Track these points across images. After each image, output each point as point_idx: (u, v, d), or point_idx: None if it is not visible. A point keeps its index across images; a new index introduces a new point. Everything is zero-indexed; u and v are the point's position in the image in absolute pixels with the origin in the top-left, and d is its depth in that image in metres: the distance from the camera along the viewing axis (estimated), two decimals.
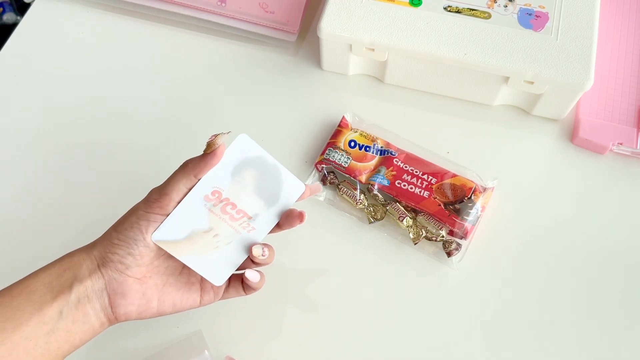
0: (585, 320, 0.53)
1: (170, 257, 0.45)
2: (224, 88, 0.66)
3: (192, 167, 0.43)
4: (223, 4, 0.67)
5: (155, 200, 0.43)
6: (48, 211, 0.59)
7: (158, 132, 0.63)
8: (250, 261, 0.46)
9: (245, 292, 0.48)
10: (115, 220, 0.44)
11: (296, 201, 0.47)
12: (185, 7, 0.68)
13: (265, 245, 0.46)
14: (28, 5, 0.72)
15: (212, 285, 0.47)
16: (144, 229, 0.42)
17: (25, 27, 0.70)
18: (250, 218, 0.45)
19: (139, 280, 0.43)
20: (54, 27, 0.70)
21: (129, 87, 0.66)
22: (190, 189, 0.43)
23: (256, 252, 0.45)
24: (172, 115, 0.64)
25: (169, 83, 0.66)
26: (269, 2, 0.67)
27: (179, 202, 0.43)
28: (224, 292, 0.47)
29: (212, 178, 0.43)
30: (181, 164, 0.44)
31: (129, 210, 0.44)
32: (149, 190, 0.44)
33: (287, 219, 0.46)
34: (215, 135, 0.43)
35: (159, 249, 0.43)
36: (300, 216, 0.45)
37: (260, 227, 0.46)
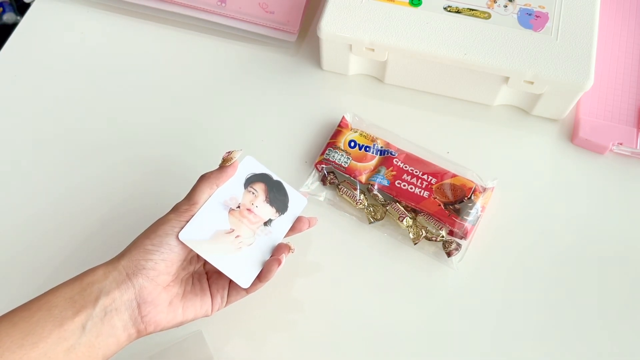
0: (585, 319, 0.53)
1: (185, 267, 0.47)
2: (224, 88, 0.66)
3: (214, 177, 0.47)
4: (223, 4, 0.67)
5: (186, 210, 0.45)
6: (48, 210, 0.59)
7: (158, 132, 0.63)
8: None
9: (247, 290, 0.48)
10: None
11: (295, 232, 0.51)
12: (185, 7, 0.68)
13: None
14: (28, 5, 0.72)
15: (220, 293, 0.48)
16: (178, 243, 0.44)
17: (25, 27, 0.70)
18: (265, 223, 0.49)
19: (165, 289, 0.44)
20: (54, 27, 0.70)
21: (129, 87, 0.66)
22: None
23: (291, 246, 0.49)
24: (172, 115, 0.64)
25: (169, 83, 0.66)
26: (269, 2, 0.67)
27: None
28: (227, 298, 0.48)
29: (228, 188, 0.48)
30: (200, 177, 0.47)
31: (157, 221, 0.45)
32: (175, 204, 0.46)
33: (297, 223, 0.51)
34: (230, 152, 0.48)
35: (183, 257, 0.45)
36: (308, 221, 0.51)
37: (277, 230, 0.50)
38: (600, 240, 0.57)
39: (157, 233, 0.44)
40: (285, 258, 0.47)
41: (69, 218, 0.59)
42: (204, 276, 0.49)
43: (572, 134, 0.62)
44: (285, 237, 0.50)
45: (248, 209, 0.49)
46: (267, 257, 0.48)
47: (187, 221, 0.45)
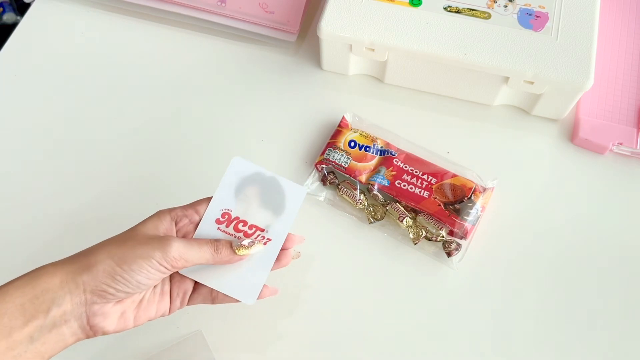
0: (585, 320, 0.53)
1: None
2: (223, 88, 0.66)
3: (224, 254, 0.44)
4: (223, 4, 0.67)
5: (176, 262, 0.42)
6: (47, 209, 0.59)
7: (158, 132, 0.63)
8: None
9: (212, 302, 0.47)
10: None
11: (280, 266, 0.47)
12: (185, 7, 0.68)
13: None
14: (28, 5, 0.72)
15: (180, 297, 0.46)
16: (153, 277, 0.41)
17: (25, 27, 0.70)
18: (263, 230, 0.47)
19: (120, 302, 0.42)
20: (54, 27, 0.70)
21: (129, 86, 0.66)
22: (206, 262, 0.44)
23: (293, 254, 0.47)
24: (171, 115, 0.64)
25: (169, 83, 0.66)
26: (269, 2, 0.67)
27: (174, 224, 0.45)
28: (189, 300, 0.47)
29: (218, 202, 0.46)
30: (213, 241, 0.44)
31: (137, 248, 0.41)
32: (170, 243, 0.42)
33: (282, 257, 0.47)
34: (252, 244, 0.45)
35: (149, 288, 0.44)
36: (300, 239, 0.48)
37: (276, 236, 0.47)
38: (600, 240, 0.57)
39: (132, 267, 0.40)
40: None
41: (68, 215, 0.59)
42: (167, 279, 0.46)
43: (572, 134, 0.62)
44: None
45: (242, 221, 0.46)
46: (270, 265, 0.46)
47: (172, 270, 0.42)
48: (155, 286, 0.45)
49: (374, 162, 0.59)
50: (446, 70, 0.60)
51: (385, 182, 0.57)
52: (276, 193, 0.48)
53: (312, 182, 0.60)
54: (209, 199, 0.47)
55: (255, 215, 0.47)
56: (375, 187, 0.57)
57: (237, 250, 0.44)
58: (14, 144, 0.63)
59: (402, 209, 0.56)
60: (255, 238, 0.46)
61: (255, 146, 0.62)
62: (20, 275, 0.40)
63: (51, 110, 0.65)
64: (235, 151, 0.62)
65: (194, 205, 0.47)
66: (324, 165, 0.59)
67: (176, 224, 0.45)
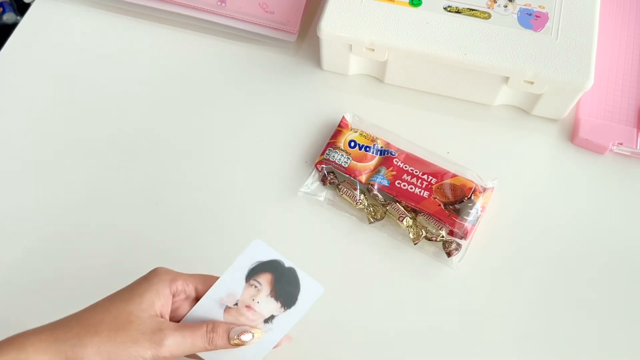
0: (585, 320, 0.53)
1: None
2: (223, 88, 0.66)
3: (211, 344, 0.41)
4: (223, 4, 0.67)
5: (166, 347, 0.39)
6: (47, 208, 0.59)
7: (158, 131, 0.63)
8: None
9: None
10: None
11: (274, 347, 0.45)
12: (185, 7, 0.68)
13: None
14: (28, 5, 0.72)
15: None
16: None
17: (25, 27, 0.70)
18: (266, 320, 0.44)
19: None
20: (54, 27, 0.70)
21: (129, 86, 0.66)
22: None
23: (246, 337, 0.43)
24: (171, 115, 0.64)
25: (169, 83, 0.66)
26: (269, 2, 0.67)
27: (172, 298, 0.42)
28: None
29: (225, 284, 0.43)
30: (208, 334, 0.41)
31: (131, 344, 0.38)
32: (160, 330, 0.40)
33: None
34: (247, 335, 0.42)
35: None
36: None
37: (278, 329, 0.44)
38: (600, 240, 0.57)
39: (120, 355, 0.38)
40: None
41: (67, 215, 0.59)
42: None
43: (572, 134, 0.62)
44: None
45: (247, 306, 0.43)
46: (265, 353, 0.44)
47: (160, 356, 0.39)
48: None
49: (374, 162, 0.59)
50: (446, 70, 0.60)
51: (385, 182, 0.57)
52: (291, 285, 0.44)
53: (312, 182, 0.60)
54: (214, 278, 0.44)
55: (263, 303, 0.44)
56: (375, 187, 0.57)
57: (231, 341, 0.42)
58: (14, 144, 0.63)
59: (402, 209, 0.56)
60: (257, 325, 0.44)
61: (256, 146, 0.62)
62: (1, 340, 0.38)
63: (51, 110, 0.65)
64: (235, 151, 0.62)
65: (196, 279, 0.44)
66: (324, 165, 0.59)
67: (173, 296, 0.43)
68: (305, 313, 0.45)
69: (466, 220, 0.55)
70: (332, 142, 0.60)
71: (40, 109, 0.65)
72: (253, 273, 0.44)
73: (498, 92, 0.61)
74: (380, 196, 0.58)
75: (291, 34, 0.66)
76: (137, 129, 0.63)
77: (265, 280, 0.44)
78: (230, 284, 0.43)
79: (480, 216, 0.56)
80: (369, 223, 0.57)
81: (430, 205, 0.56)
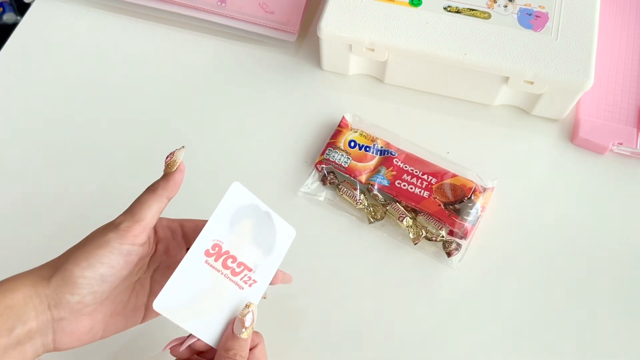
0: (585, 320, 0.53)
1: (121, 288, 0.42)
2: (223, 88, 0.66)
3: (163, 188, 0.40)
4: (223, 4, 0.67)
5: (129, 229, 0.38)
6: (47, 208, 0.59)
7: (157, 131, 0.63)
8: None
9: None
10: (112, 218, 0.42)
11: (270, 284, 0.45)
12: (185, 7, 0.68)
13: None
14: (28, 5, 0.72)
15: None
16: (116, 264, 0.38)
17: (25, 27, 0.70)
18: (250, 270, 0.43)
19: (89, 316, 0.39)
20: (54, 27, 0.70)
21: (129, 86, 0.66)
22: (162, 211, 0.40)
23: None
24: (171, 115, 0.64)
25: (168, 83, 0.66)
26: (269, 2, 0.67)
27: (153, 228, 0.41)
28: None
29: (212, 230, 0.41)
30: (146, 188, 0.41)
31: (93, 240, 0.38)
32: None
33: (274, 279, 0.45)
34: (171, 154, 0.41)
35: (119, 285, 0.40)
36: (282, 276, 0.45)
37: (261, 279, 0.44)
38: (600, 240, 0.57)
39: (90, 261, 0.37)
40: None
41: (67, 215, 0.59)
42: (146, 287, 0.43)
43: (572, 134, 0.62)
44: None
45: (232, 256, 0.42)
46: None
47: (129, 244, 0.38)
48: (129, 294, 0.42)
49: (374, 162, 0.59)
50: (446, 70, 0.60)
51: (385, 182, 0.57)
52: (268, 230, 0.44)
53: (312, 182, 0.60)
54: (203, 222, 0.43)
55: (246, 252, 0.43)
56: (375, 187, 0.57)
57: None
58: (14, 144, 0.63)
59: (402, 209, 0.56)
60: (242, 279, 0.42)
61: (256, 146, 0.62)
62: None
63: (51, 110, 0.65)
64: (235, 151, 0.62)
65: (178, 221, 0.44)
66: (324, 165, 0.59)
67: (156, 232, 0.43)
68: (283, 258, 0.44)
69: (466, 220, 0.55)
70: (332, 142, 0.60)
71: (41, 109, 0.65)
72: (235, 220, 0.42)
73: (498, 92, 0.61)
74: (380, 196, 0.58)
75: (291, 34, 0.66)
76: (137, 129, 0.63)
77: (246, 226, 0.43)
78: (217, 231, 0.41)
79: (480, 216, 0.56)
80: (369, 223, 0.57)
81: (430, 205, 0.56)
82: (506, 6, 0.59)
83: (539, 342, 0.53)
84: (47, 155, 0.62)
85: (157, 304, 0.39)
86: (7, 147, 0.63)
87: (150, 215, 0.39)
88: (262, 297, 0.44)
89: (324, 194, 0.59)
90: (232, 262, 0.42)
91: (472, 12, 0.59)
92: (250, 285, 0.43)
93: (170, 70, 0.67)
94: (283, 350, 0.53)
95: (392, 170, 0.58)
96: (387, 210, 0.57)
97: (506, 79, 0.58)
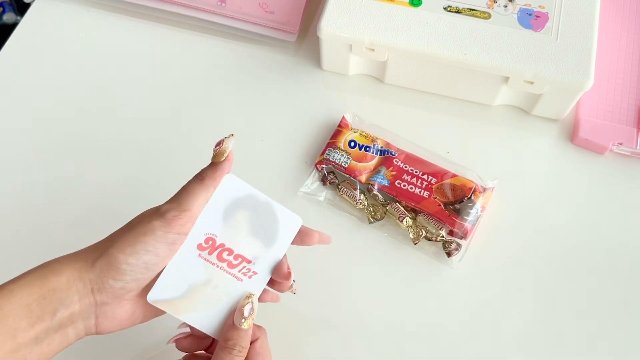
0: (585, 320, 0.53)
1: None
2: (223, 88, 0.66)
3: (211, 178, 0.40)
4: (223, 4, 0.67)
5: (176, 218, 0.38)
6: (47, 208, 0.59)
7: (157, 132, 0.63)
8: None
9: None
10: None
11: (304, 245, 0.44)
12: (185, 7, 0.68)
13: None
14: (28, 5, 0.72)
15: None
16: (161, 252, 0.38)
17: (25, 27, 0.70)
18: (249, 262, 0.42)
19: (131, 301, 0.40)
20: (54, 27, 0.70)
21: (129, 86, 0.66)
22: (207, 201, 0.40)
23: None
24: (171, 115, 0.64)
25: (168, 83, 0.66)
26: (269, 2, 0.67)
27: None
28: None
29: (203, 225, 0.41)
30: (194, 176, 0.41)
31: (137, 227, 0.38)
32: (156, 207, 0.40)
33: (304, 237, 0.44)
34: (220, 143, 0.41)
35: (160, 270, 0.40)
36: (287, 275, 0.43)
37: (262, 271, 0.43)
38: (600, 240, 0.57)
39: (135, 248, 0.37)
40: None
41: (67, 215, 0.59)
42: None
43: (572, 134, 0.62)
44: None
45: (228, 249, 0.41)
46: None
47: (175, 233, 0.39)
48: None
49: (374, 162, 0.59)
50: (446, 70, 0.60)
51: (385, 182, 0.57)
52: (269, 221, 0.43)
53: (312, 182, 0.60)
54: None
55: (243, 244, 0.42)
56: (375, 187, 0.57)
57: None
58: (14, 144, 0.63)
59: (402, 209, 0.56)
60: (240, 271, 0.42)
61: (255, 146, 0.62)
62: (27, 270, 0.38)
63: (51, 110, 0.65)
64: (235, 151, 0.62)
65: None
66: (324, 165, 0.59)
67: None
68: (287, 249, 0.43)
69: (466, 220, 0.55)
70: (332, 142, 0.60)
71: (41, 109, 0.65)
72: (229, 212, 0.41)
73: (498, 92, 0.61)
74: (380, 196, 0.58)
75: (291, 34, 0.66)
76: (137, 129, 0.63)
77: (243, 218, 0.42)
78: (208, 225, 0.41)
79: (480, 216, 0.56)
80: (369, 223, 0.57)
81: (430, 205, 0.56)
82: (506, 6, 0.59)
83: (539, 341, 0.53)
84: (46, 155, 0.62)
85: (151, 296, 0.39)
86: (7, 147, 0.63)
87: (197, 206, 0.39)
88: (291, 292, 0.44)
89: (324, 194, 0.59)
90: (228, 255, 0.41)
91: (472, 12, 0.59)
92: (250, 277, 0.42)
93: (170, 70, 0.67)
94: (283, 350, 0.53)
95: (392, 170, 0.58)
96: (387, 210, 0.57)
97: (506, 79, 0.58)
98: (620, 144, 0.60)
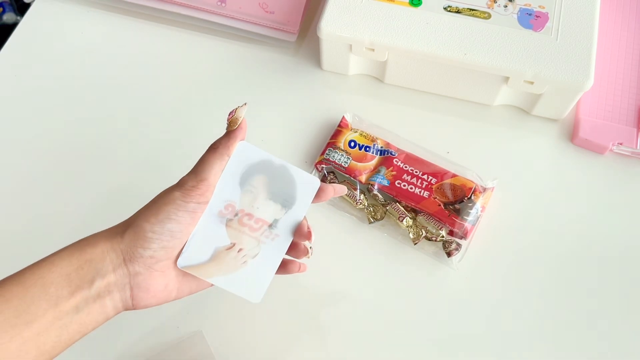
0: (585, 319, 0.53)
1: None
2: (223, 88, 0.66)
3: (223, 146, 0.42)
4: (223, 4, 0.67)
5: (194, 188, 0.41)
6: (47, 208, 0.59)
7: (157, 132, 0.63)
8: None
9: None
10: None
11: (321, 201, 0.45)
12: (185, 7, 0.68)
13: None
14: (28, 5, 0.72)
15: None
16: (183, 220, 0.40)
17: (25, 27, 0.70)
18: (270, 225, 0.44)
19: (163, 273, 0.41)
20: (54, 27, 0.70)
21: (129, 87, 0.66)
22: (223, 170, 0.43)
23: (308, 252, 0.45)
24: (171, 115, 0.64)
25: (168, 83, 0.66)
26: (269, 2, 0.67)
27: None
28: None
29: (221, 192, 0.43)
30: (208, 147, 0.42)
31: (160, 199, 0.41)
32: (180, 180, 0.42)
33: (320, 192, 0.45)
34: (234, 111, 0.42)
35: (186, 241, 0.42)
36: (308, 235, 0.44)
37: (284, 232, 0.44)
38: (601, 240, 0.57)
39: (159, 217, 0.40)
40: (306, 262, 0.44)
41: (67, 215, 0.59)
42: None
43: (572, 134, 0.62)
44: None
45: (248, 214, 0.43)
46: (277, 262, 0.44)
47: (195, 202, 0.41)
48: None
49: (374, 162, 0.59)
50: (446, 70, 0.60)
51: (385, 182, 0.57)
52: (286, 184, 0.44)
53: None
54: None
55: (262, 208, 0.43)
56: (375, 187, 0.57)
57: (232, 127, 0.42)
58: (13, 144, 0.63)
59: (402, 209, 0.56)
60: (263, 234, 0.43)
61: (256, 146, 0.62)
62: (66, 245, 0.40)
63: (51, 110, 0.65)
64: None
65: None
66: (324, 165, 0.59)
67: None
68: (307, 210, 0.44)
69: (466, 220, 0.55)
70: (332, 142, 0.60)
71: (40, 109, 0.65)
72: (245, 178, 0.43)
73: (498, 92, 0.61)
74: (380, 196, 0.58)
75: (291, 34, 0.66)
76: (137, 129, 0.63)
77: (260, 183, 0.43)
78: (226, 193, 0.43)
79: (480, 216, 0.56)
80: (369, 223, 0.57)
81: (430, 205, 0.56)
82: (506, 6, 0.59)
83: (539, 341, 0.53)
84: (46, 155, 0.62)
85: (181, 262, 0.41)
86: (7, 147, 0.63)
87: (213, 174, 0.42)
88: (307, 257, 0.45)
89: None
90: (248, 220, 0.43)
91: (472, 12, 0.59)
92: (272, 239, 0.44)
93: (170, 70, 0.67)
94: (283, 350, 0.53)
95: (392, 170, 0.58)
96: (387, 210, 0.57)
97: (506, 79, 0.58)
98: (620, 144, 0.60)
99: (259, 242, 0.44)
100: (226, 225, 0.43)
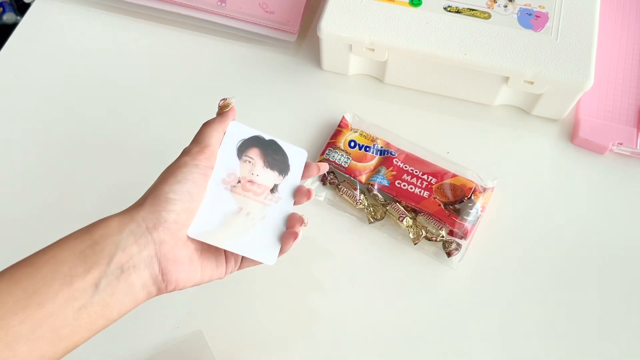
0: (586, 319, 0.53)
1: None
2: (223, 88, 0.66)
3: (218, 121, 0.45)
4: (223, 4, 0.67)
5: (199, 152, 0.42)
6: (47, 208, 0.59)
7: (157, 131, 0.63)
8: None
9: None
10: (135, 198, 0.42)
11: (308, 177, 0.49)
12: (185, 7, 0.68)
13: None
14: (28, 5, 0.72)
15: (234, 256, 0.45)
16: (198, 180, 0.41)
17: (25, 27, 0.70)
18: (271, 190, 0.46)
19: (185, 244, 0.40)
20: (54, 27, 0.70)
21: (129, 86, 0.66)
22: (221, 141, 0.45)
23: (304, 221, 0.45)
24: (171, 115, 0.64)
25: (168, 83, 0.66)
26: (269, 2, 0.67)
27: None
28: (241, 264, 0.46)
29: (222, 164, 0.45)
30: (202, 124, 0.45)
31: (172, 167, 0.42)
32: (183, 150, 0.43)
33: (306, 170, 0.48)
34: (224, 99, 0.46)
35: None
36: (308, 193, 0.47)
37: (285, 195, 0.47)
38: (600, 240, 0.57)
39: (177, 178, 0.40)
40: (301, 231, 0.45)
41: (67, 215, 0.59)
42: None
43: (572, 134, 0.62)
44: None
45: (250, 181, 0.46)
46: (283, 227, 0.46)
47: (204, 165, 0.42)
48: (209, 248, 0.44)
49: (374, 162, 0.59)
50: (446, 70, 0.60)
51: (385, 182, 0.57)
52: (278, 154, 0.48)
53: (312, 182, 0.60)
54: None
55: (262, 175, 0.46)
56: (375, 187, 0.57)
57: (224, 109, 0.46)
58: (13, 144, 0.63)
59: (402, 209, 0.56)
60: (266, 198, 0.46)
61: None
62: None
63: (51, 110, 0.65)
64: None
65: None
66: None
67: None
68: (300, 176, 0.48)
69: (466, 220, 0.55)
70: (332, 142, 0.60)
71: (40, 109, 0.65)
72: (241, 151, 0.46)
73: (498, 92, 0.61)
74: (380, 196, 0.58)
75: (291, 34, 0.66)
76: (137, 129, 0.63)
77: (255, 154, 0.47)
78: (227, 163, 0.45)
79: (480, 216, 0.56)
80: (369, 223, 0.57)
81: (430, 205, 0.56)
82: (506, 6, 0.59)
83: (539, 341, 0.53)
84: (46, 154, 0.62)
85: (192, 231, 0.41)
86: (6, 147, 0.63)
87: (214, 141, 0.44)
88: (303, 225, 0.46)
89: (324, 194, 0.59)
90: (251, 185, 0.46)
91: (472, 12, 0.59)
92: (276, 202, 0.46)
93: (170, 70, 0.67)
94: (283, 350, 0.53)
95: (392, 170, 0.58)
96: (387, 210, 0.57)
97: (506, 79, 0.58)
98: (620, 144, 0.60)
99: (264, 205, 0.46)
100: (231, 191, 0.45)
